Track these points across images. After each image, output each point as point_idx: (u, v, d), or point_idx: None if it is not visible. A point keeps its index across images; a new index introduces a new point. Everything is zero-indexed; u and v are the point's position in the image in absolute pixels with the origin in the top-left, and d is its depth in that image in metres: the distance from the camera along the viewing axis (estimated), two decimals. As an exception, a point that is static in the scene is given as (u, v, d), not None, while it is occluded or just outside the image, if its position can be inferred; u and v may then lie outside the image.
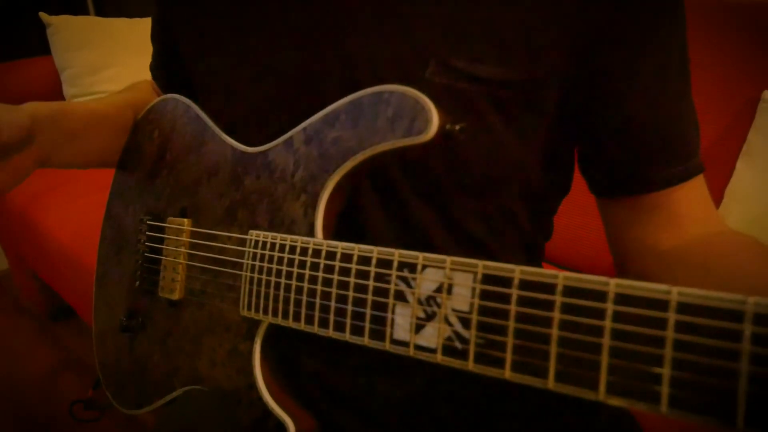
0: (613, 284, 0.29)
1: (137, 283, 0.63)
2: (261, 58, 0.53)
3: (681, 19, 0.49)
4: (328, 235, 0.47)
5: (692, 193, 0.52)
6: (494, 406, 0.56)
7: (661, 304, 0.28)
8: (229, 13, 0.56)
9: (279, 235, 0.47)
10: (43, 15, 1.65)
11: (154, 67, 0.75)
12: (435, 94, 0.44)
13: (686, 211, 0.51)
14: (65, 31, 1.66)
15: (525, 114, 0.49)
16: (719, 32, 1.15)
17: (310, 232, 0.46)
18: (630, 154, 0.51)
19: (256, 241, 0.49)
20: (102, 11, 2.06)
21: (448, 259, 0.36)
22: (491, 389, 0.55)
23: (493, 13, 0.46)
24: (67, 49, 1.65)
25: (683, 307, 0.27)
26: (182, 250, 0.57)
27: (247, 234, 0.50)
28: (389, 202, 0.51)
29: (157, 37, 0.71)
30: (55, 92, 1.69)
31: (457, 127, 0.40)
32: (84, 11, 2.03)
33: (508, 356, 0.32)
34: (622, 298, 0.29)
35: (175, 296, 0.57)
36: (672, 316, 0.27)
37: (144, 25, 1.78)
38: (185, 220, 0.58)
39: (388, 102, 0.43)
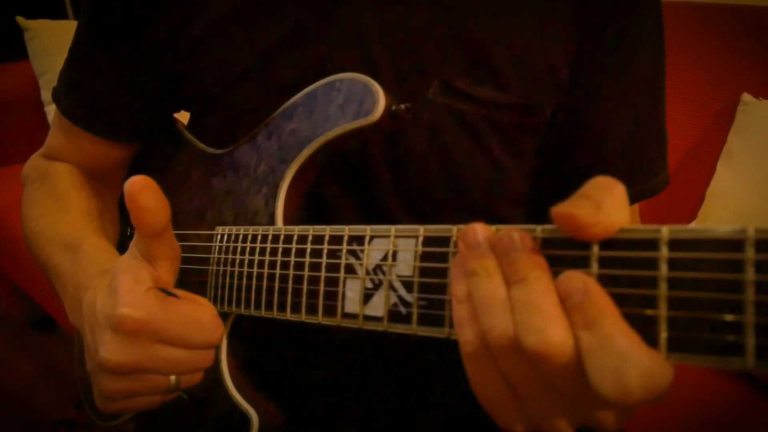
0: (539, 229, 0.30)
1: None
2: (260, 59, 0.51)
3: (650, 36, 0.50)
4: (289, 223, 0.48)
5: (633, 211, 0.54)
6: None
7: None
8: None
9: (242, 228, 0.48)
10: (20, 19, 1.65)
11: (94, 95, 0.57)
12: (436, 113, 0.46)
13: None
14: (43, 35, 1.65)
15: (520, 135, 0.50)
16: (698, 35, 1.17)
17: (271, 221, 0.47)
18: (591, 171, 0.52)
19: (222, 236, 0.50)
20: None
21: (393, 228, 0.36)
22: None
23: (495, 39, 0.47)
24: (45, 53, 1.64)
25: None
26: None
27: (214, 231, 0.51)
28: (379, 220, 0.52)
29: (114, 54, 0.55)
30: (33, 98, 1.68)
31: (403, 107, 0.42)
32: (62, 15, 2.02)
33: (448, 314, 0.33)
34: (545, 242, 0.30)
35: None
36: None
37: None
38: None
39: (339, 89, 0.44)
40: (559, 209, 0.27)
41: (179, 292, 0.41)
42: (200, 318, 0.40)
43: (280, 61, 0.50)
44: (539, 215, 0.57)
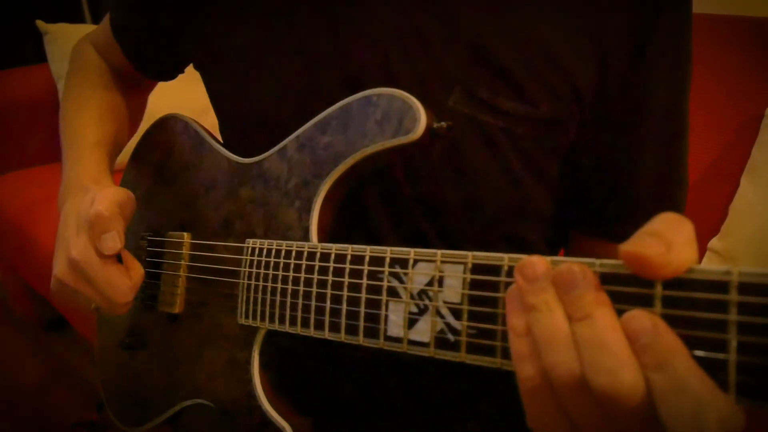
0: (598, 264, 0.29)
1: (137, 299, 0.63)
2: (278, 67, 0.52)
3: (681, 63, 0.49)
4: (324, 239, 0.47)
5: None
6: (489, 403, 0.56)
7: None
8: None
9: (275, 242, 0.48)
10: (40, 23, 1.65)
11: (123, 24, 0.66)
12: (456, 122, 0.45)
13: None
14: (62, 39, 1.65)
15: (540, 152, 0.49)
16: (721, 48, 1.15)
17: (305, 237, 0.47)
18: (616, 205, 0.52)
19: (252, 249, 0.49)
20: (98, 19, 2.05)
21: (439, 252, 0.36)
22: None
23: (516, 55, 0.46)
24: (63, 57, 1.63)
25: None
26: (182, 263, 0.58)
27: (243, 243, 0.51)
28: (403, 232, 0.52)
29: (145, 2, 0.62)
30: (51, 100, 1.67)
31: (444, 125, 0.41)
32: (80, 19, 2.03)
33: (499, 344, 0.32)
34: (606, 277, 0.29)
35: (175, 310, 0.57)
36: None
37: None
38: (185, 233, 0.58)
39: (377, 104, 0.44)
40: (630, 249, 0.27)
41: (124, 254, 0.52)
42: (116, 282, 0.50)
43: (297, 69, 0.50)
44: (556, 235, 0.58)
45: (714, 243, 1.02)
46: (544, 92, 0.47)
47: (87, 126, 0.63)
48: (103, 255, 0.49)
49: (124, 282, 0.50)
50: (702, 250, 1.05)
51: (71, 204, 0.54)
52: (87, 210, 0.49)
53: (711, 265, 0.27)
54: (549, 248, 0.58)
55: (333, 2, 0.48)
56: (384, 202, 0.51)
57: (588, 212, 0.54)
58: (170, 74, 0.69)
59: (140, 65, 0.68)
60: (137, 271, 0.52)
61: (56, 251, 0.53)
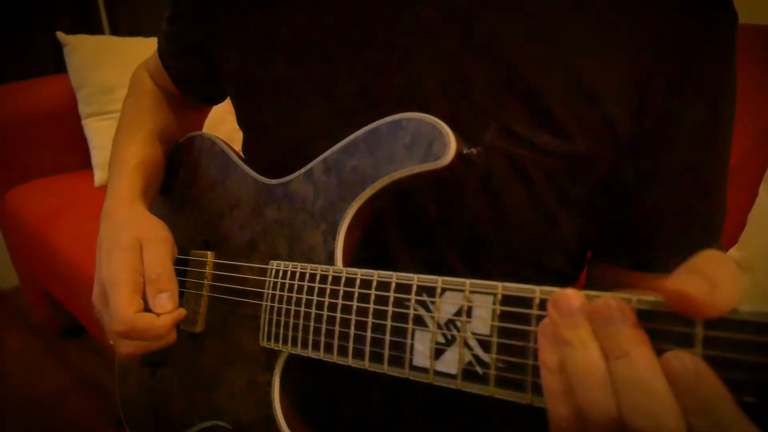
0: (635, 300, 0.29)
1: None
2: (313, 89, 0.52)
3: (722, 107, 0.48)
4: (348, 262, 0.47)
5: None
6: None
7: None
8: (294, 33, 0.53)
9: (299, 264, 0.47)
10: (60, 34, 1.69)
11: (168, 54, 0.69)
12: (490, 157, 0.45)
13: None
14: (81, 50, 1.68)
15: (573, 185, 0.49)
16: (739, 58, 1.14)
17: (330, 260, 0.47)
18: (643, 235, 0.51)
19: (277, 271, 0.49)
20: (117, 31, 2.09)
21: (468, 281, 0.35)
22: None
23: (553, 90, 0.46)
24: (83, 68, 1.67)
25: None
26: (204, 282, 0.58)
27: (267, 264, 0.51)
28: (427, 259, 0.52)
29: (182, 26, 0.64)
30: (71, 111, 1.71)
31: (475, 151, 0.41)
32: (99, 30, 2.06)
33: (530, 379, 0.32)
34: (643, 314, 0.28)
35: (197, 329, 0.57)
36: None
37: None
38: (208, 252, 0.58)
39: (406, 129, 0.43)
40: (674, 287, 0.26)
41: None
42: (155, 332, 0.50)
43: (331, 93, 0.50)
44: (579, 259, 0.57)
45: (732, 253, 1.00)
46: (580, 127, 0.46)
47: (130, 150, 0.65)
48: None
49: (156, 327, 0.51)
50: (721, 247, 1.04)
51: (104, 229, 0.59)
52: (126, 252, 0.52)
53: (754, 306, 0.26)
54: (572, 271, 0.57)
55: (370, 38, 0.48)
56: (405, 224, 0.51)
57: (614, 240, 0.53)
58: (216, 100, 0.71)
59: (186, 92, 0.70)
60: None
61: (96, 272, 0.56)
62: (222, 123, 1.65)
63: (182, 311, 0.52)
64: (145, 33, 1.85)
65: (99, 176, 1.65)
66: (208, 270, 0.58)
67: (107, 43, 1.77)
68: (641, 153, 0.48)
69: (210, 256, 0.58)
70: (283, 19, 0.51)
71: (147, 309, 0.51)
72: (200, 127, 0.79)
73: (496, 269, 0.52)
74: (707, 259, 0.26)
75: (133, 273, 0.51)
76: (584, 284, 0.60)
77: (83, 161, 1.71)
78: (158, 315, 0.50)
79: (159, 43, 0.70)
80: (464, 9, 0.45)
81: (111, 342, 0.55)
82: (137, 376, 0.66)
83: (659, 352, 0.27)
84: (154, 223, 0.57)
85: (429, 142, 0.41)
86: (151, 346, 0.52)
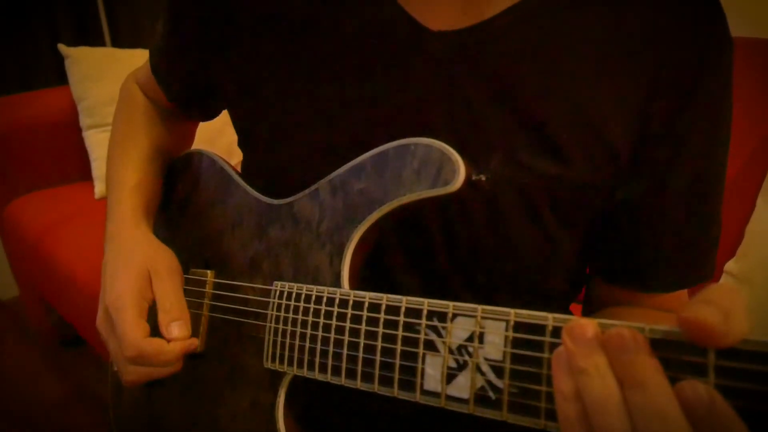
0: (648, 329, 0.29)
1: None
2: (317, 114, 0.52)
3: (719, 124, 0.50)
4: (353, 284, 0.47)
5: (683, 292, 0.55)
6: None
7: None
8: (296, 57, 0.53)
9: (304, 286, 0.47)
10: (61, 47, 1.68)
11: (163, 71, 0.66)
12: (495, 184, 0.46)
13: (668, 307, 0.54)
14: (83, 62, 1.68)
15: (576, 210, 0.50)
16: (736, 70, 1.16)
17: (336, 282, 0.47)
18: (644, 256, 0.53)
19: (281, 292, 0.49)
20: (118, 42, 2.10)
21: (479, 307, 0.36)
22: None
23: (558, 120, 0.47)
24: (84, 80, 1.67)
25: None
26: (205, 301, 0.57)
27: (271, 285, 0.51)
28: (429, 279, 0.52)
29: (180, 45, 0.61)
30: (72, 122, 1.71)
31: (483, 178, 0.41)
32: (100, 42, 2.06)
33: (544, 405, 0.32)
34: (656, 343, 0.29)
35: (197, 349, 0.57)
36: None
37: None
38: (208, 271, 0.58)
39: (414, 153, 0.44)
40: (690, 315, 0.27)
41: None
42: (164, 358, 0.51)
43: (335, 118, 0.50)
44: (579, 279, 0.58)
45: (730, 265, 1.01)
46: (584, 155, 0.47)
47: (127, 170, 0.65)
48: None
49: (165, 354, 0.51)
50: (718, 272, 1.04)
51: (108, 253, 0.58)
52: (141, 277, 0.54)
53: (764, 336, 0.26)
54: (571, 289, 0.58)
55: (376, 66, 0.49)
56: (408, 246, 0.51)
57: (614, 260, 0.54)
58: (212, 115, 0.70)
59: (183, 108, 0.69)
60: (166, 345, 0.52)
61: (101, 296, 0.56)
62: (221, 134, 1.65)
63: (194, 341, 0.52)
64: (147, 45, 1.85)
65: (99, 188, 1.64)
66: (208, 289, 0.58)
67: (108, 55, 1.78)
68: (642, 178, 0.49)
69: (210, 275, 0.58)
70: (286, 40, 0.51)
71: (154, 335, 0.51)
72: (192, 138, 0.78)
73: (498, 290, 0.53)
74: (719, 290, 0.27)
75: (138, 298, 0.52)
76: (583, 300, 0.61)
77: (84, 172, 1.71)
78: (169, 341, 0.50)
79: (152, 57, 0.68)
80: (471, 43, 0.46)
81: (116, 368, 0.54)
82: (132, 395, 0.65)
83: (672, 380, 0.28)
84: (162, 251, 0.57)
85: (438, 167, 0.42)
86: (158, 374, 0.52)
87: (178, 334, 0.51)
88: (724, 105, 0.50)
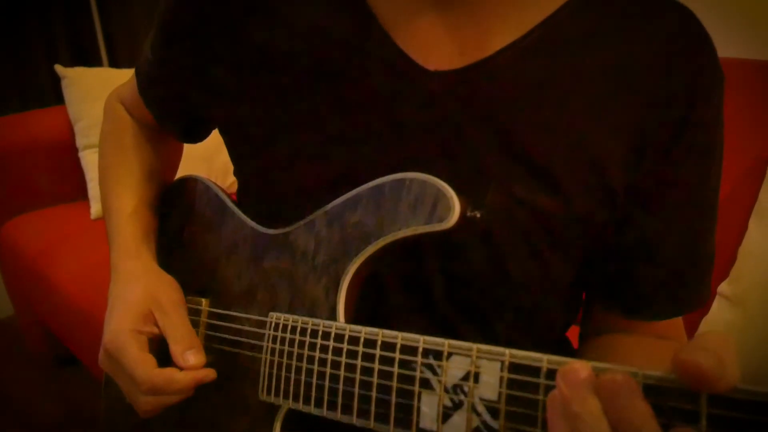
0: (641, 375, 0.29)
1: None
2: (316, 147, 0.52)
3: (712, 154, 0.51)
4: (349, 318, 0.47)
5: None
6: None
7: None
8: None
9: (300, 318, 0.47)
10: (58, 68, 1.69)
11: (153, 99, 0.65)
12: (492, 218, 0.46)
13: (662, 332, 0.55)
14: (80, 83, 1.69)
15: (573, 243, 0.51)
16: (727, 91, 1.17)
17: (332, 315, 0.47)
18: (638, 283, 0.53)
19: (276, 324, 0.49)
20: (115, 63, 2.11)
21: (474, 346, 0.36)
22: None
23: (554, 156, 0.47)
24: (81, 100, 1.68)
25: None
26: (199, 330, 0.57)
27: (266, 316, 0.51)
28: (425, 312, 0.52)
29: (173, 74, 0.60)
30: (68, 143, 1.72)
31: (478, 214, 0.41)
32: (98, 62, 2.08)
33: (539, 448, 0.32)
34: (649, 389, 0.29)
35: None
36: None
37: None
38: (203, 299, 0.58)
39: (409, 188, 0.44)
40: (686, 357, 0.27)
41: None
42: (176, 387, 0.52)
43: (330, 150, 0.51)
44: (574, 305, 0.59)
45: (723, 287, 1.02)
46: (580, 190, 0.47)
47: (123, 197, 0.65)
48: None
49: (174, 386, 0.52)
50: (711, 293, 1.05)
51: (112, 285, 0.59)
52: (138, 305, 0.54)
53: (756, 387, 0.27)
54: (568, 315, 0.58)
55: (370, 102, 0.49)
56: (404, 278, 0.51)
57: (609, 289, 0.55)
58: (202, 138, 0.70)
59: (169, 131, 0.69)
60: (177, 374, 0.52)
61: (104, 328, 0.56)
62: (217, 152, 1.65)
63: (211, 371, 0.53)
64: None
65: (95, 208, 1.65)
66: (203, 318, 0.57)
67: (105, 75, 1.79)
68: (637, 212, 0.50)
69: (204, 304, 0.58)
70: (281, 75, 0.51)
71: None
72: (180, 154, 0.78)
73: (496, 319, 0.53)
74: (712, 337, 0.27)
75: (135, 334, 0.52)
76: (581, 322, 0.61)
77: (80, 192, 1.71)
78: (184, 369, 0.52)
79: (140, 80, 0.65)
80: (468, 82, 0.47)
81: (128, 401, 0.55)
82: (125, 425, 0.64)
83: (665, 427, 0.28)
84: (163, 282, 0.58)
85: (433, 203, 0.42)
86: (172, 401, 0.52)
87: (195, 361, 0.52)
88: (717, 135, 0.51)
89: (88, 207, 1.66)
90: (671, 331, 0.56)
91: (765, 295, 0.97)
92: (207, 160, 1.67)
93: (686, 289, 0.54)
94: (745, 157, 1.12)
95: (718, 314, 1.01)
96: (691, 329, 1.07)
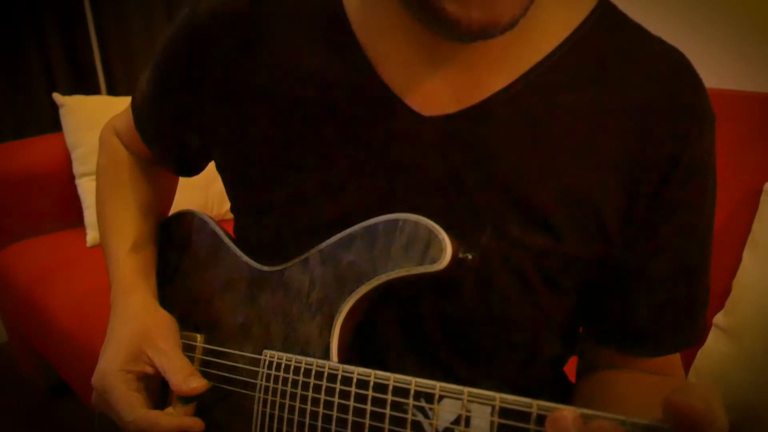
0: (629, 423, 0.30)
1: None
2: (311, 191, 0.52)
3: (705, 193, 0.52)
4: (342, 356, 0.47)
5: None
6: None
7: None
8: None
9: (294, 357, 0.48)
10: (56, 96, 1.70)
11: (151, 137, 0.65)
12: (487, 257, 0.47)
13: (659, 367, 0.55)
14: (77, 111, 1.70)
15: (567, 279, 0.51)
16: (720, 123, 1.17)
17: (326, 354, 0.47)
18: (633, 320, 0.54)
19: (270, 362, 0.49)
20: (113, 91, 2.12)
21: (466, 390, 0.36)
22: None
23: (547, 197, 0.48)
24: (78, 128, 1.69)
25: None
26: (194, 366, 0.57)
27: (260, 353, 0.51)
28: (420, 350, 0.53)
29: (171, 113, 0.60)
30: (65, 170, 1.72)
31: (470, 256, 0.42)
32: (96, 90, 2.09)
33: (530, 496, 0.32)
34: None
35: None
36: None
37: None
38: (198, 335, 0.58)
39: (402, 229, 0.45)
40: (679, 399, 0.27)
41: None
42: (159, 429, 0.51)
43: (326, 191, 0.51)
44: (570, 342, 0.59)
45: (719, 319, 1.02)
46: (573, 230, 0.48)
47: (122, 233, 0.66)
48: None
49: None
50: (707, 325, 1.04)
51: (110, 322, 0.59)
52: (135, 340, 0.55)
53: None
54: (564, 350, 0.58)
55: (371, 146, 0.50)
56: (398, 316, 0.52)
57: (604, 326, 0.55)
58: (195, 172, 0.70)
59: (166, 167, 0.69)
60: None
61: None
62: (215, 180, 1.65)
63: (197, 423, 0.53)
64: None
65: (91, 235, 1.64)
66: (197, 354, 0.57)
67: (103, 103, 1.80)
68: (630, 250, 0.50)
69: (200, 340, 0.58)
70: (277, 118, 0.52)
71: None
72: (176, 186, 0.78)
73: (491, 357, 0.53)
74: (699, 386, 0.28)
75: (122, 372, 0.53)
76: (578, 356, 0.61)
77: (76, 220, 1.71)
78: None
79: (137, 115, 0.65)
80: (463, 127, 0.48)
81: None
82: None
83: None
84: (157, 317, 0.58)
85: (425, 244, 0.43)
86: None
87: (197, 384, 0.52)
88: (709, 173, 0.52)
89: (85, 234, 1.66)
90: (668, 367, 0.56)
91: (760, 326, 0.97)
92: (203, 188, 1.68)
93: (682, 326, 0.54)
94: (738, 189, 1.12)
95: (714, 346, 1.01)
96: (687, 361, 1.07)
